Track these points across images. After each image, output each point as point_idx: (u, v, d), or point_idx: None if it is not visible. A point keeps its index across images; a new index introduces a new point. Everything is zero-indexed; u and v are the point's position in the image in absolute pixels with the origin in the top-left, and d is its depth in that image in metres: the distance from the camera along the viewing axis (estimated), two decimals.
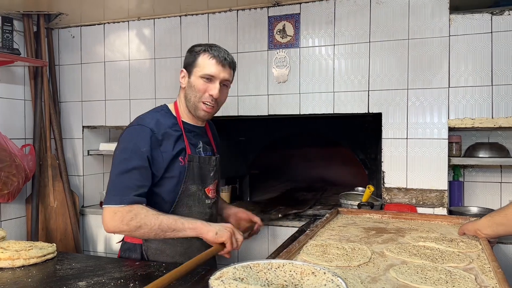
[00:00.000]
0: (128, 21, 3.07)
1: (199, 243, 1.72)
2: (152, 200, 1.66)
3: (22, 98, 3.10)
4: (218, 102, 1.75)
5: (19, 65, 2.97)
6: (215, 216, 1.90)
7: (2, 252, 1.50)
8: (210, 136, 1.93)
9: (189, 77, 1.74)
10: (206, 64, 1.70)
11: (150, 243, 1.71)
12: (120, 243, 1.81)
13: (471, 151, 2.54)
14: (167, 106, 1.82)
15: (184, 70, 1.77)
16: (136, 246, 1.73)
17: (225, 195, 3.04)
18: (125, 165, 1.59)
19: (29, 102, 3.12)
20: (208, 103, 1.72)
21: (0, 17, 2.88)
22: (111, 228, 1.55)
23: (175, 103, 1.82)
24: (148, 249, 1.71)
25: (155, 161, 1.63)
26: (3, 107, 2.96)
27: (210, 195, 1.83)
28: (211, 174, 1.82)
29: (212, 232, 1.58)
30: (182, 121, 1.77)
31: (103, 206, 1.59)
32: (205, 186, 1.80)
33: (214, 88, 1.70)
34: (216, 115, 1.84)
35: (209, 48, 1.72)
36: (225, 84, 1.75)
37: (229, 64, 1.74)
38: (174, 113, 1.78)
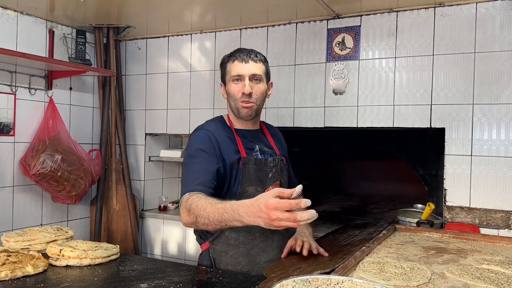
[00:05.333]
0: (191, 34, 3.19)
1: (263, 244, 1.79)
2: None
3: (91, 105, 3.30)
4: (254, 97, 1.80)
5: (89, 75, 3.18)
6: None
7: (72, 251, 1.59)
8: (270, 139, 1.97)
9: (225, 87, 1.86)
10: (232, 68, 1.80)
11: (215, 246, 1.80)
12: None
13: None
14: (222, 116, 1.94)
15: (222, 83, 1.91)
16: (206, 251, 1.83)
17: None
18: (187, 165, 1.72)
19: (97, 109, 3.32)
20: (244, 102, 1.79)
21: (75, 30, 3.10)
22: (183, 221, 1.58)
23: (228, 115, 1.93)
24: (214, 251, 1.79)
25: (214, 154, 1.72)
26: (74, 113, 3.17)
27: None
28: (270, 175, 1.84)
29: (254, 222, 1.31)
30: (235, 128, 1.87)
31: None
32: (264, 187, 1.81)
33: (243, 86, 1.77)
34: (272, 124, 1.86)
35: (233, 53, 1.83)
36: (257, 79, 1.79)
37: (253, 58, 1.80)
38: (227, 123, 1.89)
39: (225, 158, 1.75)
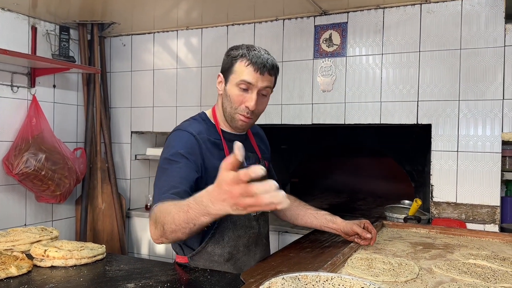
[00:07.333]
0: (177, 31, 3.15)
1: (245, 258, 1.70)
2: None
3: (75, 103, 3.24)
4: (255, 113, 1.61)
5: (73, 72, 3.12)
6: (262, 229, 1.77)
7: (56, 251, 1.55)
8: (253, 144, 1.82)
9: (225, 84, 1.60)
10: (243, 71, 1.53)
11: (196, 262, 1.66)
12: None
13: None
14: (205, 113, 1.71)
15: (221, 75, 1.63)
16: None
17: None
18: (163, 169, 1.51)
19: (81, 107, 3.27)
20: (244, 116, 1.58)
21: (58, 27, 3.04)
22: (151, 237, 1.38)
23: (213, 110, 1.70)
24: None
25: (195, 162, 1.50)
26: (58, 111, 3.11)
27: None
28: None
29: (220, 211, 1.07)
30: (221, 129, 1.66)
31: None
32: None
33: (250, 100, 1.54)
34: (258, 122, 1.77)
35: (247, 52, 1.55)
36: (264, 94, 1.59)
37: (269, 70, 1.55)
38: (212, 121, 1.68)
39: (209, 168, 1.53)
